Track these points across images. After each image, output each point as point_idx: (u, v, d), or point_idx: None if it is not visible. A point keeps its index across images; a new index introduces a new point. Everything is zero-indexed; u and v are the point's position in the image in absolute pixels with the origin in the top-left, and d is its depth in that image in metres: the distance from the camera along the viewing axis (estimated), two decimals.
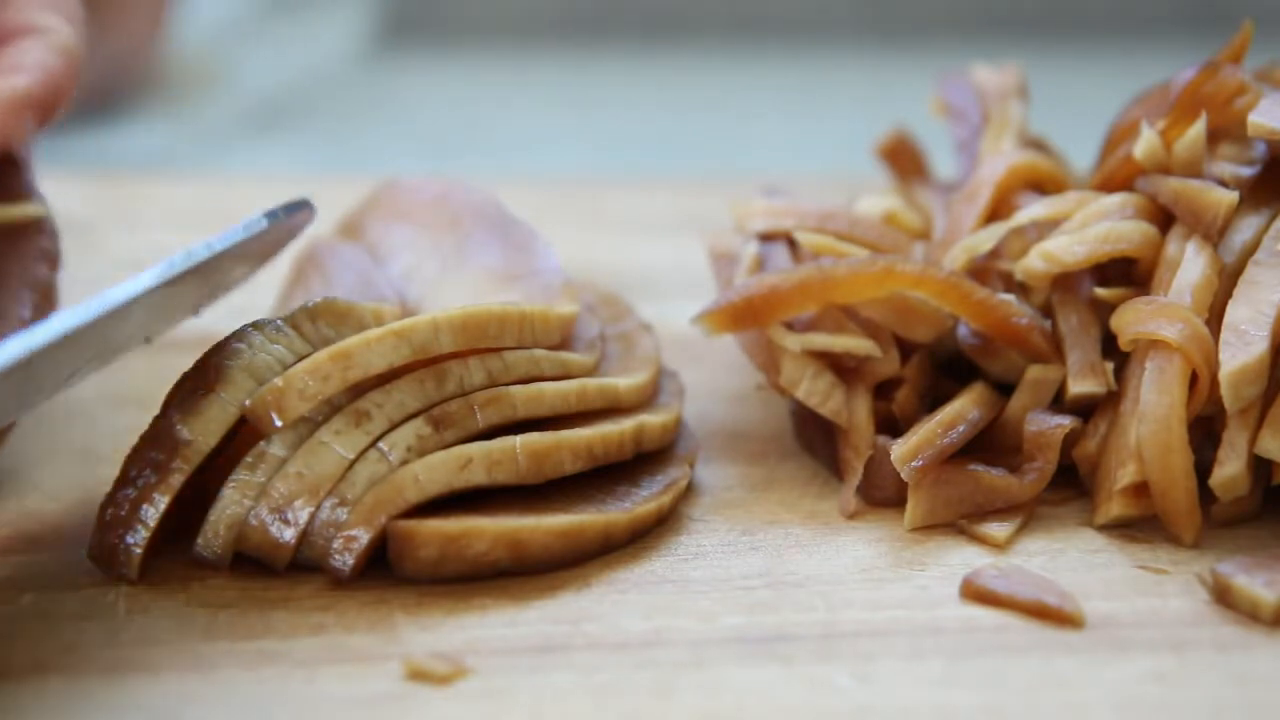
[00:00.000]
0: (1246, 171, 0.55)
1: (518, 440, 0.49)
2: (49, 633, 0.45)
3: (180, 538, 0.49)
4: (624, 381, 0.54)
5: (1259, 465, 0.51)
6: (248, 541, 0.48)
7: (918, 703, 0.43)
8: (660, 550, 0.51)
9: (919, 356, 0.56)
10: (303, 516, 0.47)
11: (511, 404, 0.50)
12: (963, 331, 0.56)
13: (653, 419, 0.53)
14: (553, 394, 0.51)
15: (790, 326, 0.55)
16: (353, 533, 0.47)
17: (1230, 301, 0.52)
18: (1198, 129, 0.55)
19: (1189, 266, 0.53)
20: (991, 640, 0.46)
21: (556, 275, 0.57)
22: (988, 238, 0.57)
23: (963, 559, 0.50)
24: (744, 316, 0.55)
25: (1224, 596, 0.48)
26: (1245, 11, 0.63)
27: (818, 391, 0.54)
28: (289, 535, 0.47)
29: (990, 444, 0.54)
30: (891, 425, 0.55)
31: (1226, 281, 0.52)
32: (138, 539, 0.47)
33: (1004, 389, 0.56)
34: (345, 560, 0.47)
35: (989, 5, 1.30)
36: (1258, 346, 0.50)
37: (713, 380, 0.63)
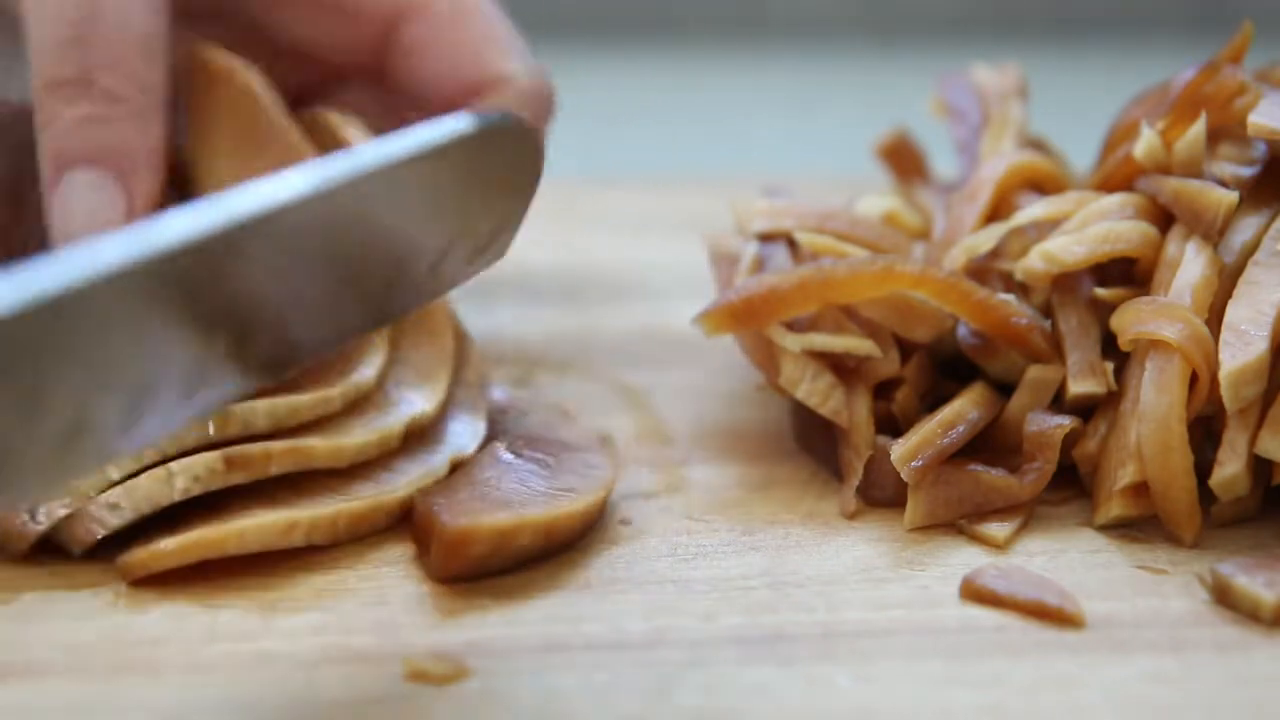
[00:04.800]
0: (1246, 171, 0.55)
1: (338, 508, 0.49)
2: (49, 633, 0.45)
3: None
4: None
5: (1259, 465, 0.51)
6: None
7: (918, 703, 0.43)
8: (660, 550, 0.51)
9: (919, 356, 0.56)
10: (58, 513, 0.48)
11: (309, 457, 0.50)
12: (963, 331, 0.56)
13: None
14: (353, 449, 0.51)
15: (790, 326, 0.55)
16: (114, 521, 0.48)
17: (1230, 301, 0.52)
18: (1198, 129, 0.55)
19: (1189, 266, 0.53)
20: (991, 640, 0.46)
21: None
22: (988, 238, 0.57)
23: (963, 559, 0.50)
24: (743, 317, 0.55)
25: (1224, 596, 0.48)
26: (1245, 11, 0.63)
27: (818, 391, 0.54)
28: (34, 526, 0.48)
29: (990, 444, 0.54)
30: (891, 425, 0.55)
31: (1226, 281, 0.52)
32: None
33: (1004, 389, 0.56)
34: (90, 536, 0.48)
35: (989, 5, 1.30)
36: (1258, 346, 0.50)
37: (713, 380, 0.63)
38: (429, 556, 0.48)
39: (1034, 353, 0.54)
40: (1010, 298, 0.55)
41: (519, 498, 0.50)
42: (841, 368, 0.55)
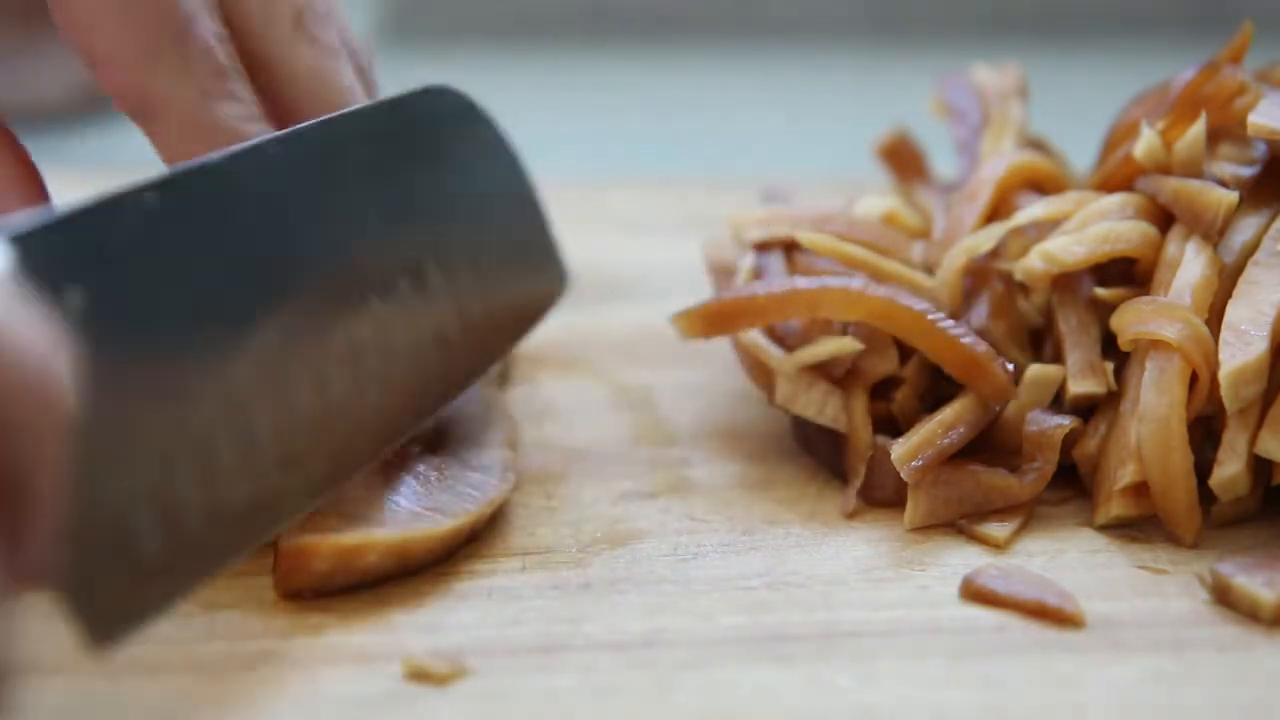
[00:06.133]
0: (1246, 171, 0.55)
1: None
2: (49, 632, 0.45)
3: None
4: None
5: (1259, 465, 0.51)
6: None
7: (918, 703, 0.43)
8: (660, 550, 0.51)
9: (918, 357, 0.56)
10: None
11: None
12: None
13: None
14: None
15: (779, 336, 0.55)
16: None
17: (1230, 301, 0.52)
18: (1198, 129, 0.55)
19: (1189, 266, 0.53)
20: (991, 640, 0.46)
21: None
22: (988, 238, 0.57)
23: (963, 559, 0.50)
24: (718, 321, 0.55)
25: (1224, 596, 0.48)
26: (1245, 11, 0.63)
27: (814, 402, 0.55)
28: None
29: (990, 444, 0.54)
30: (891, 425, 0.55)
31: (1226, 281, 0.52)
32: None
33: None
34: None
35: (989, 5, 1.30)
36: (1258, 346, 0.50)
37: (713, 380, 0.63)
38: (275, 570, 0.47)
39: (997, 392, 0.53)
40: (973, 338, 0.54)
41: (379, 515, 0.48)
42: (835, 371, 0.55)
